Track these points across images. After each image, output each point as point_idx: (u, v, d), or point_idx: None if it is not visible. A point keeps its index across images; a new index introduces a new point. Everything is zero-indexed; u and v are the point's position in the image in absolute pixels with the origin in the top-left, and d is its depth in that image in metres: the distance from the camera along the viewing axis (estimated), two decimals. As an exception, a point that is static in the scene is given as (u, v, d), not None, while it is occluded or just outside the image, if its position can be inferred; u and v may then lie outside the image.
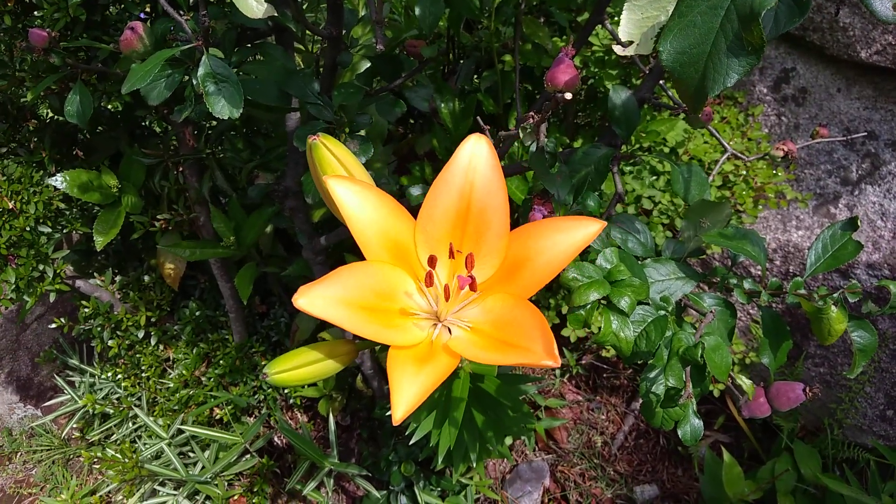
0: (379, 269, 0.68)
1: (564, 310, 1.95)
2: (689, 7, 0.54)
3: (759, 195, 1.85)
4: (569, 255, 0.65)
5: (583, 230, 0.65)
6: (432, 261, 0.68)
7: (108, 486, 2.03)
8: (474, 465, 1.33)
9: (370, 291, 0.66)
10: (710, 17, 0.53)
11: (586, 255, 1.03)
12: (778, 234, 1.88)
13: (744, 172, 1.84)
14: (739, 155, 1.13)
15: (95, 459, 1.87)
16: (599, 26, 1.68)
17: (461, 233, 0.70)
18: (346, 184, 0.67)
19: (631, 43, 0.70)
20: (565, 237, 0.65)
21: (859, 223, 1.03)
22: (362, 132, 1.22)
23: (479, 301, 0.69)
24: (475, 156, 0.69)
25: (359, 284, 0.66)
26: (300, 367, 0.74)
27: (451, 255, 0.68)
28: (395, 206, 0.70)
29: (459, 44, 1.84)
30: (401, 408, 0.58)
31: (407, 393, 0.59)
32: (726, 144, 1.13)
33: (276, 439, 2.14)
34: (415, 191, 1.26)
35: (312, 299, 0.62)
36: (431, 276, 0.68)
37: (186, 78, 1.02)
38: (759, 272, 1.91)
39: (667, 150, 1.83)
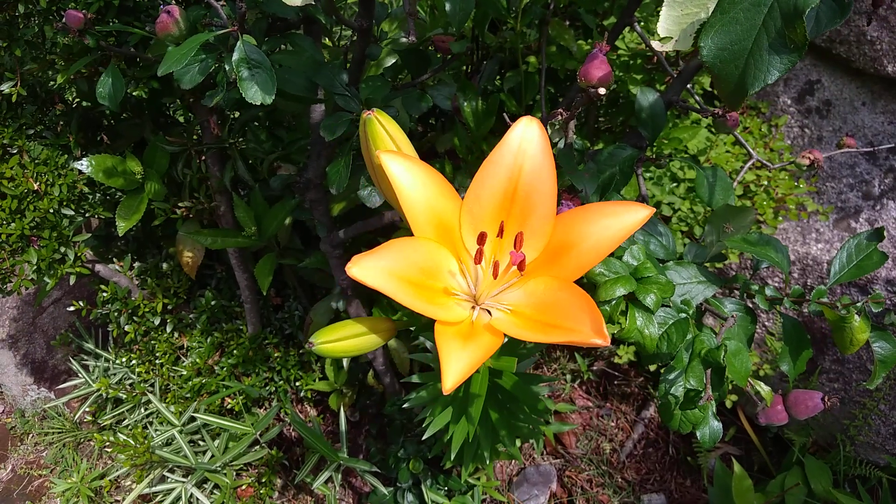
0: (426, 246, 0.69)
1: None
2: (732, 4, 0.54)
3: (779, 206, 1.84)
4: (617, 239, 0.65)
5: (633, 215, 0.65)
6: (482, 238, 0.68)
7: (117, 470, 2.04)
8: (487, 463, 1.33)
9: (417, 268, 0.67)
10: (753, 14, 0.53)
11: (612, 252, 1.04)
12: (797, 246, 1.87)
13: (765, 183, 1.83)
14: (765, 162, 1.13)
15: (107, 443, 1.88)
16: (627, 29, 1.69)
17: (506, 215, 0.70)
18: (399, 159, 0.67)
19: (669, 39, 0.70)
20: (614, 221, 0.65)
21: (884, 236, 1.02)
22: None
23: (520, 284, 0.69)
24: (525, 139, 0.69)
25: (407, 259, 0.66)
26: (344, 340, 0.75)
27: (501, 233, 0.69)
28: (444, 184, 0.70)
29: (484, 44, 1.84)
30: (450, 379, 0.59)
31: (456, 365, 0.60)
32: (752, 150, 1.12)
33: (285, 432, 2.15)
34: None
35: (365, 269, 0.63)
36: (481, 253, 0.68)
37: (218, 65, 1.04)
38: (777, 283, 1.90)
39: (688, 157, 1.83)
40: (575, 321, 0.61)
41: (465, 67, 1.91)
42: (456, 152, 1.75)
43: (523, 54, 1.67)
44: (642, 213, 0.66)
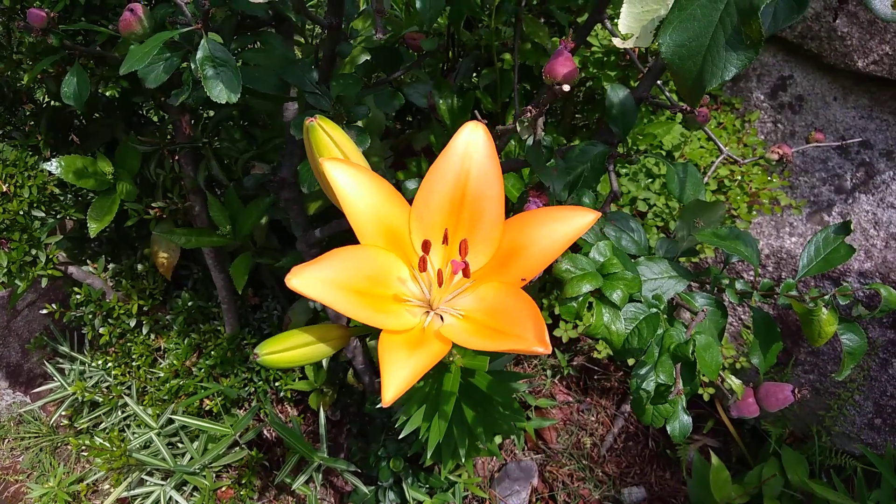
0: (373, 253, 0.68)
1: (557, 310, 1.95)
2: (689, 0, 0.55)
3: (753, 200, 1.85)
4: (563, 244, 0.65)
5: (578, 220, 0.66)
6: (426, 246, 0.68)
7: (95, 474, 2.02)
8: (463, 461, 1.33)
9: (363, 276, 0.66)
10: (710, 11, 0.53)
11: (579, 248, 1.04)
12: (771, 240, 1.89)
13: (739, 178, 1.84)
14: (735, 158, 1.14)
15: (83, 447, 1.86)
16: (599, 27, 1.69)
17: (456, 220, 0.70)
18: (343, 166, 0.67)
19: (630, 36, 0.70)
20: (560, 226, 0.66)
21: (852, 229, 1.03)
22: (360, 123, 1.22)
23: (471, 289, 0.69)
24: (471, 143, 0.69)
25: (352, 268, 0.65)
26: (291, 350, 0.73)
27: (445, 240, 0.68)
28: (390, 191, 0.70)
29: (459, 42, 1.84)
30: (390, 390, 0.58)
31: (397, 376, 0.59)
32: (721, 146, 1.13)
33: (265, 432, 2.14)
34: (411, 185, 1.26)
35: (306, 281, 0.61)
36: (425, 260, 0.68)
37: (185, 64, 1.02)
38: (751, 276, 1.92)
39: (663, 153, 1.84)
40: (520, 328, 0.61)
41: (441, 65, 1.91)
42: (432, 150, 1.75)
43: (498, 52, 1.67)
44: (588, 217, 0.66)
